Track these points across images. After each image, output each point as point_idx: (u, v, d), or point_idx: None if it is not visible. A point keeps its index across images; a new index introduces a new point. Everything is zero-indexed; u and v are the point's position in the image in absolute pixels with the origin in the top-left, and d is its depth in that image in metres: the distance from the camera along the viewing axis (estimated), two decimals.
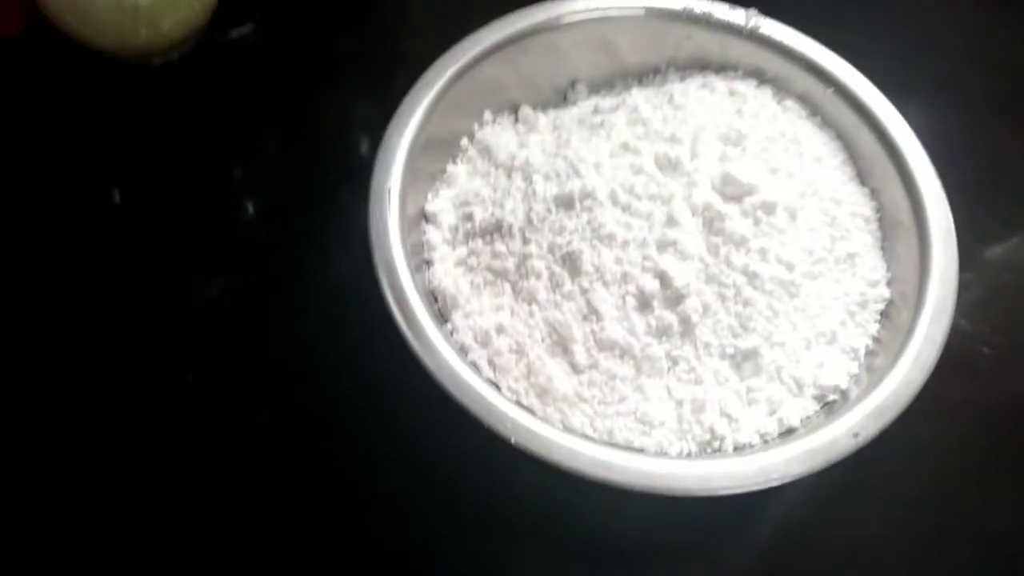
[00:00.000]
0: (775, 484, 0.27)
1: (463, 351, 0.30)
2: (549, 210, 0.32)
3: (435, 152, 0.36)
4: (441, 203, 0.34)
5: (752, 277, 0.31)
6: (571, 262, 0.31)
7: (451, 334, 0.31)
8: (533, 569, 0.32)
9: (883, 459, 0.34)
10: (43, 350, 0.36)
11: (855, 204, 0.35)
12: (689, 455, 0.29)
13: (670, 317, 0.30)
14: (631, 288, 0.30)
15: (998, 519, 0.34)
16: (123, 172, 0.41)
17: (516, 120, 0.38)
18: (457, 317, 0.31)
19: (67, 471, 0.33)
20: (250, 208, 0.42)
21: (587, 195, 0.32)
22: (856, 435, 0.27)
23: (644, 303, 0.30)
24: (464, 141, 0.37)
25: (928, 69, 0.47)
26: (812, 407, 0.30)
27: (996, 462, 0.35)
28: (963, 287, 0.39)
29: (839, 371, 0.31)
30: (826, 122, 0.37)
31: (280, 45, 0.46)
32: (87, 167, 0.41)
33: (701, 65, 0.39)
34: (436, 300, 0.32)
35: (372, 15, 0.48)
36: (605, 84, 0.40)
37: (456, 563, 0.32)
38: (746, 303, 0.31)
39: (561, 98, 0.40)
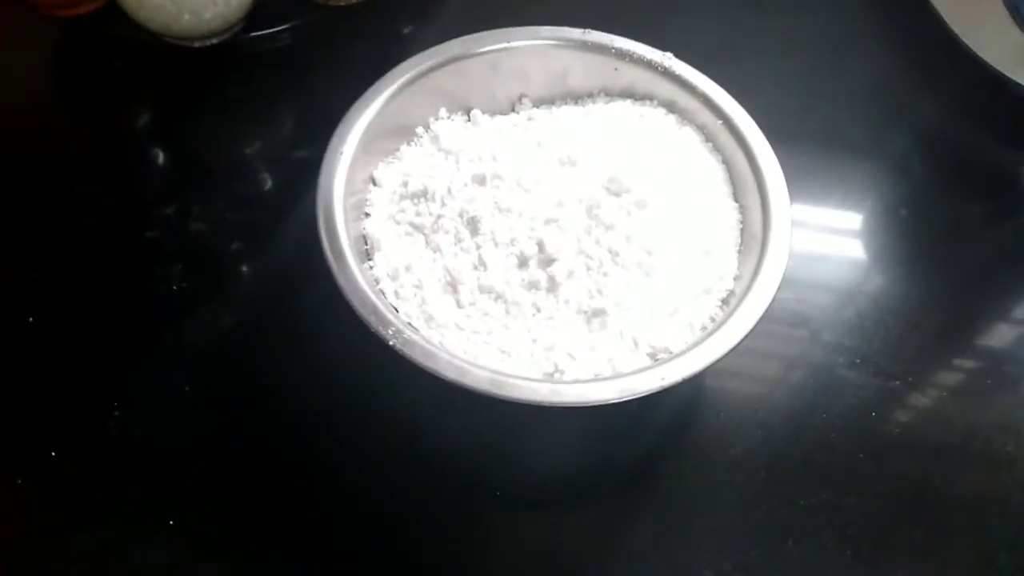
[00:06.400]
0: (592, 404, 0.34)
1: (376, 281, 0.38)
2: (466, 184, 0.40)
3: (394, 135, 0.44)
4: (388, 172, 0.43)
5: (615, 255, 0.38)
6: (473, 225, 0.39)
7: (370, 268, 0.39)
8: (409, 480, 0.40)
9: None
10: (35, 308, 0.44)
11: (723, 215, 0.42)
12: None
13: (541, 275, 0.38)
14: (515, 250, 0.38)
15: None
16: (165, 132, 0.52)
17: (468, 120, 0.47)
18: (378, 257, 0.39)
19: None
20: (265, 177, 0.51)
21: (497, 176, 0.40)
22: (663, 379, 0.34)
23: (522, 262, 0.38)
24: (420, 129, 0.45)
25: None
26: (644, 361, 0.37)
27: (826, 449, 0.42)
28: (845, 311, 0.47)
29: (674, 337, 0.38)
30: (716, 148, 0.45)
31: (300, 46, 0.56)
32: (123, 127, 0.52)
33: (628, 95, 0.47)
34: (366, 243, 0.40)
35: (385, 29, 0.58)
36: (547, 102, 0.48)
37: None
38: (605, 274, 0.38)
39: (510, 108, 0.48)
